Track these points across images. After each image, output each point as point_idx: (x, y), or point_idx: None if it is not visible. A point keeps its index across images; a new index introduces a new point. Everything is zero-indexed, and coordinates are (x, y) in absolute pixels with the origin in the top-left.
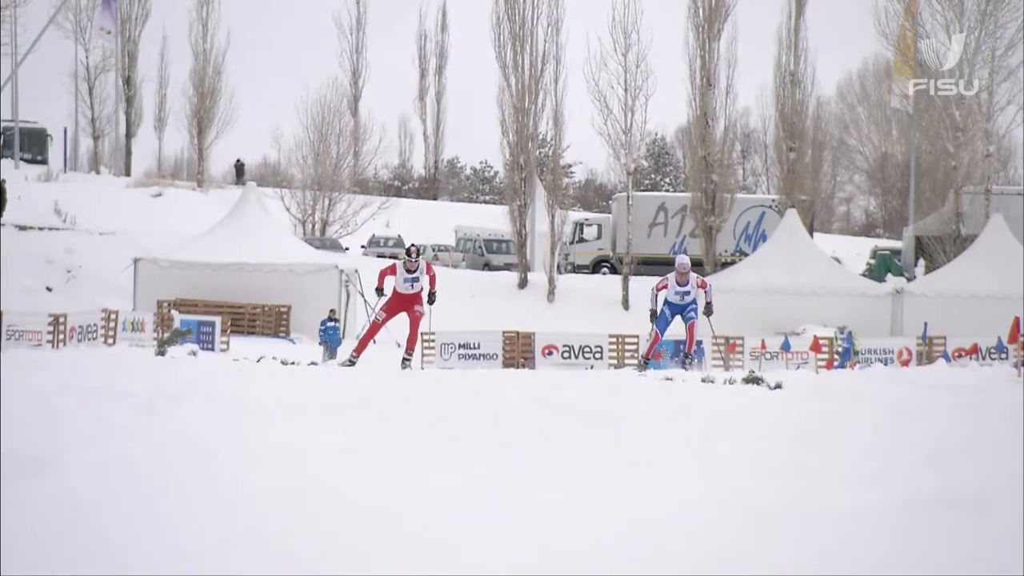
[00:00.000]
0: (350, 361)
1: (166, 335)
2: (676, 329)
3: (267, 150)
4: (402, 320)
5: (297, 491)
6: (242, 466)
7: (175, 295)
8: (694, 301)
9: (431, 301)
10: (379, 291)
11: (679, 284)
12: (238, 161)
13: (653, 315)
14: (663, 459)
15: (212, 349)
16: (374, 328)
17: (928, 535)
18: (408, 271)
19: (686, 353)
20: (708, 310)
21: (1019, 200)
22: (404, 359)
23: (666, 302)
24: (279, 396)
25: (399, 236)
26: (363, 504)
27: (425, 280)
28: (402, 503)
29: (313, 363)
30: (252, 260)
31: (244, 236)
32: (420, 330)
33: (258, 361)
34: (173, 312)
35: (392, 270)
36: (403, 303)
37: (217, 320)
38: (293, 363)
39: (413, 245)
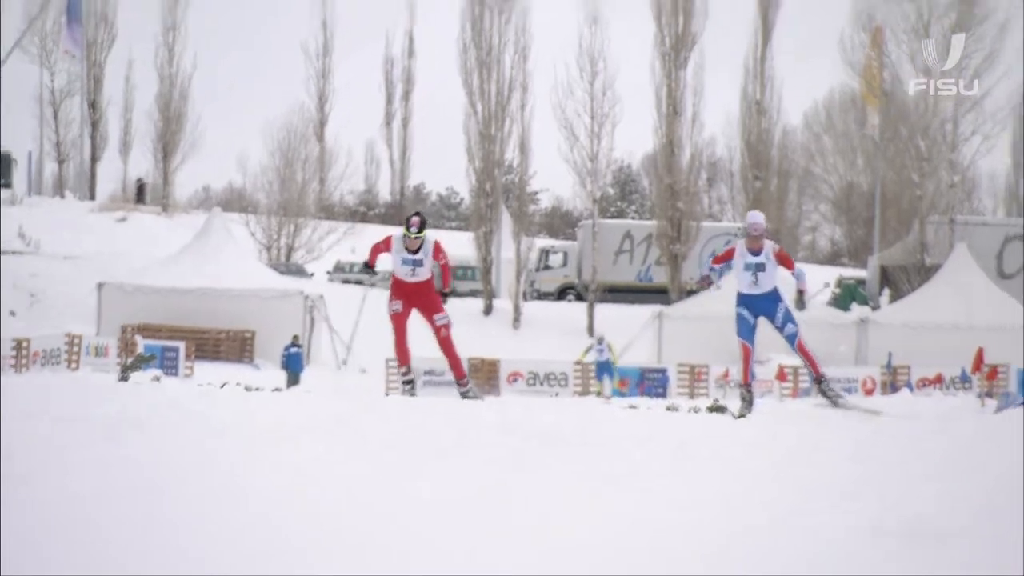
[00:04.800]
0: (407, 383)
1: (129, 360)
2: (641, 355)
3: (233, 175)
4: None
5: (266, 514)
6: (210, 491)
7: (139, 320)
8: (779, 296)
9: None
10: (368, 266)
11: (751, 252)
12: (139, 181)
13: (707, 280)
14: (628, 491)
15: (176, 374)
16: (399, 324)
17: (893, 565)
18: (409, 251)
19: (817, 377)
20: (800, 303)
21: (983, 230)
22: (465, 395)
23: (739, 299)
24: (244, 420)
25: (365, 262)
26: (336, 528)
27: (431, 265)
28: (380, 525)
29: (277, 389)
30: (217, 285)
31: (209, 261)
32: (455, 346)
33: (222, 387)
34: (137, 337)
35: (387, 245)
36: (414, 297)
37: (181, 345)
38: (257, 389)
39: (418, 214)
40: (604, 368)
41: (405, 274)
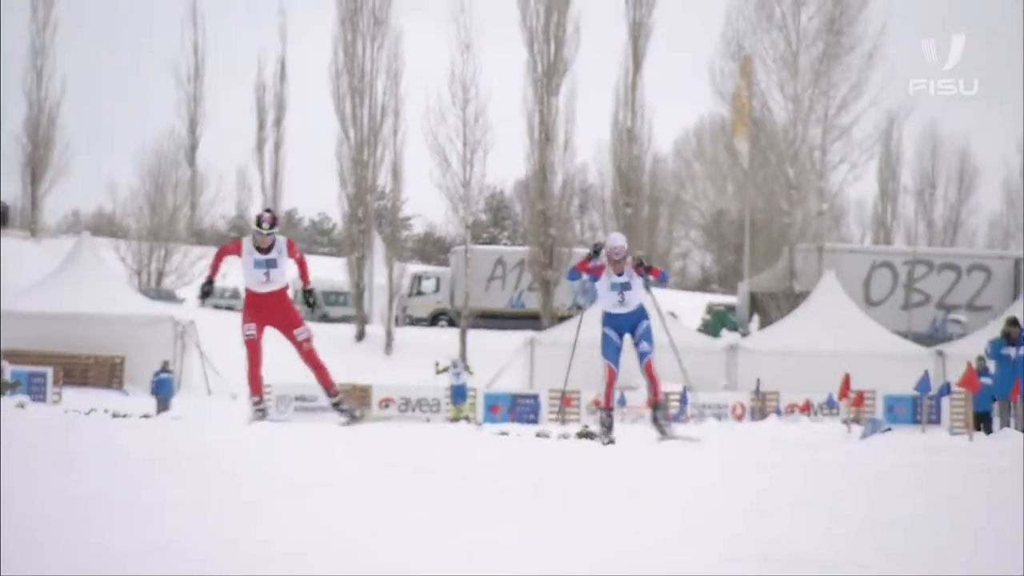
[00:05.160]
0: (260, 412)
1: None
2: (513, 381)
3: (103, 199)
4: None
5: (129, 555)
6: (67, 527)
7: (6, 345)
8: (645, 314)
9: (309, 303)
10: (208, 285)
11: (616, 273)
12: (2, 204)
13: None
14: (495, 520)
15: (44, 400)
16: (252, 351)
17: None
18: (260, 249)
19: (655, 403)
20: (640, 273)
21: (851, 257)
22: (337, 406)
23: (605, 318)
24: (108, 449)
25: (236, 288)
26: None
27: (287, 267)
28: (240, 564)
29: (147, 415)
30: (86, 310)
31: (78, 286)
32: (320, 358)
33: (88, 413)
34: (3, 362)
35: (235, 248)
36: (268, 312)
37: (49, 371)
38: (125, 415)
39: (268, 210)
40: (459, 392)
41: (258, 281)
